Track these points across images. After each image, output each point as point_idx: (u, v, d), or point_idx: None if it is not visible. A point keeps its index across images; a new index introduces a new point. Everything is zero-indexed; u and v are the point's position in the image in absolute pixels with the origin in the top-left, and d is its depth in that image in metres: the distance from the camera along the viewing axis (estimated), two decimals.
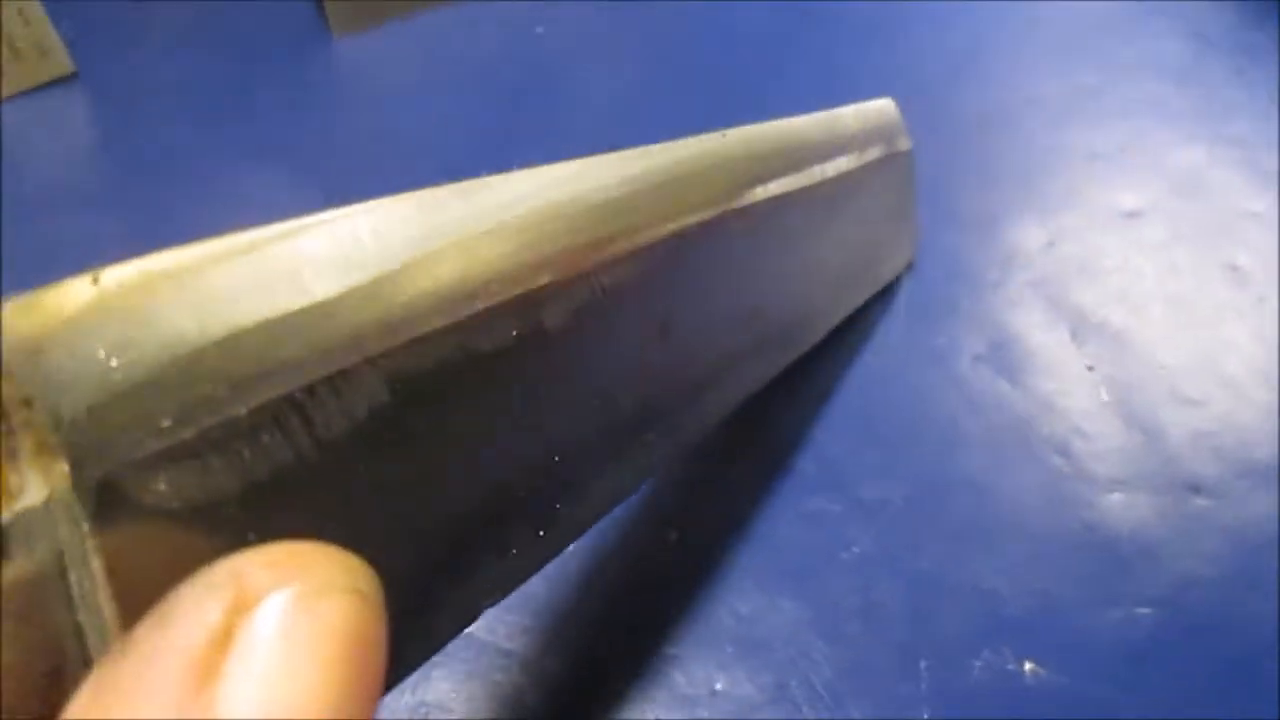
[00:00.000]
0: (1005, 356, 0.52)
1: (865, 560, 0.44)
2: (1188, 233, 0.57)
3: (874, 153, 0.47)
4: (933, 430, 0.49)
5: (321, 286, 0.18)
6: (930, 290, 0.54)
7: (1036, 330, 0.53)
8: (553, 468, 0.25)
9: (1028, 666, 0.42)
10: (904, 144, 0.51)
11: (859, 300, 0.50)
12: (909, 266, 0.54)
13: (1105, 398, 0.50)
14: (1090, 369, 0.51)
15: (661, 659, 0.42)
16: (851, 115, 0.47)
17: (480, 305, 0.21)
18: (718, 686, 0.41)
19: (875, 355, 0.51)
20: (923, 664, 0.42)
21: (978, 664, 0.42)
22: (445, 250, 0.21)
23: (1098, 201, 0.59)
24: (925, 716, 0.41)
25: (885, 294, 0.53)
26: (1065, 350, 0.52)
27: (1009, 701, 0.41)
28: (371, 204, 0.20)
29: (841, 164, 0.43)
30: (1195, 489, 0.47)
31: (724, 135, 0.35)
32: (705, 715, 0.40)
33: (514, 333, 0.22)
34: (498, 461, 0.23)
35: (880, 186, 0.49)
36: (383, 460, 0.19)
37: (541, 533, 0.25)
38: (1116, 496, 0.47)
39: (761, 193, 0.35)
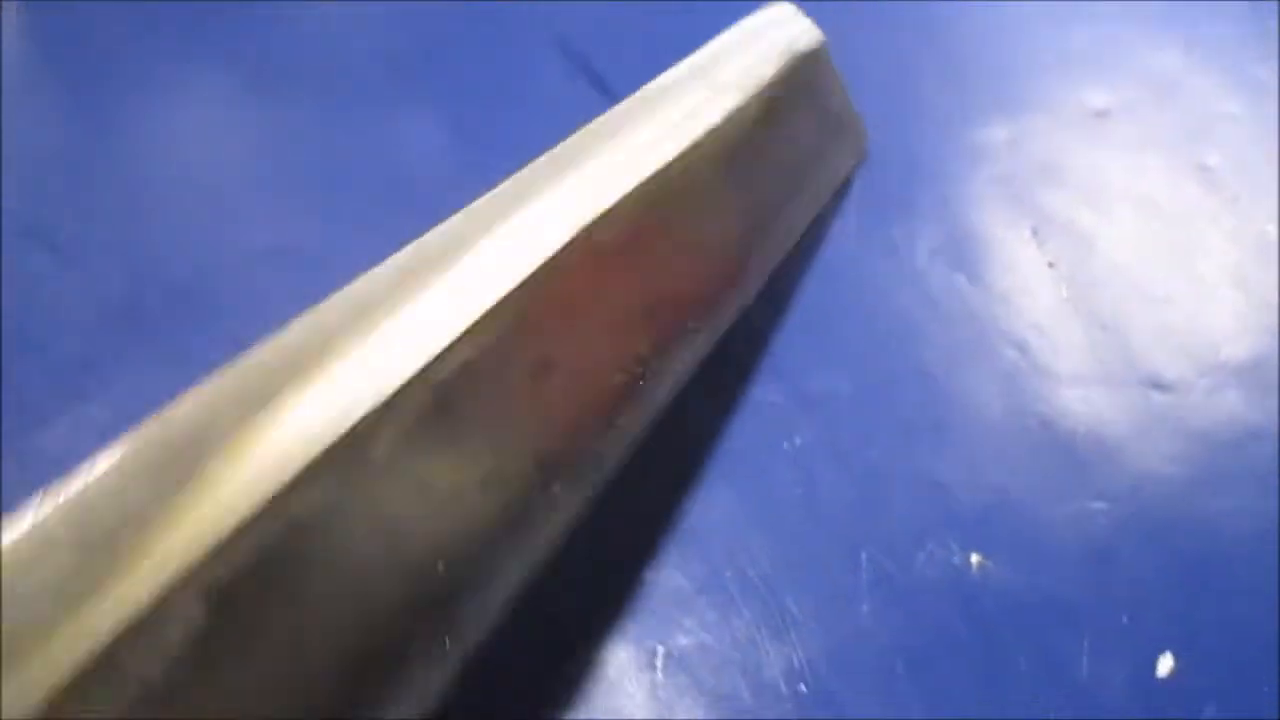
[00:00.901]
0: (963, 251, 0.49)
1: (808, 451, 0.42)
2: (1158, 134, 0.55)
3: (769, 70, 0.42)
4: (884, 323, 0.46)
5: None
6: (887, 185, 0.51)
7: (997, 226, 0.50)
8: (429, 584, 0.24)
9: (975, 560, 0.40)
10: (807, 42, 0.46)
11: (805, 220, 0.46)
12: (860, 162, 0.51)
13: (1066, 294, 0.48)
14: (1051, 266, 0.49)
15: (589, 546, 0.39)
16: (734, 41, 0.42)
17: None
18: (648, 575, 0.39)
19: (826, 247, 0.48)
20: (864, 555, 0.40)
21: (922, 556, 0.40)
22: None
23: (1066, 101, 0.56)
24: (865, 608, 0.38)
25: (838, 194, 0.51)
26: (1026, 247, 0.49)
27: (954, 595, 0.39)
28: None
29: (728, 102, 0.39)
30: (1157, 386, 0.45)
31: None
32: (635, 603, 0.38)
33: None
34: (362, 608, 0.22)
35: (793, 102, 0.45)
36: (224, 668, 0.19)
37: (446, 640, 0.24)
38: (1075, 392, 0.45)
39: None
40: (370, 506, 0.23)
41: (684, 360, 0.35)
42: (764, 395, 0.43)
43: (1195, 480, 0.43)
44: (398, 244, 0.28)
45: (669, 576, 0.39)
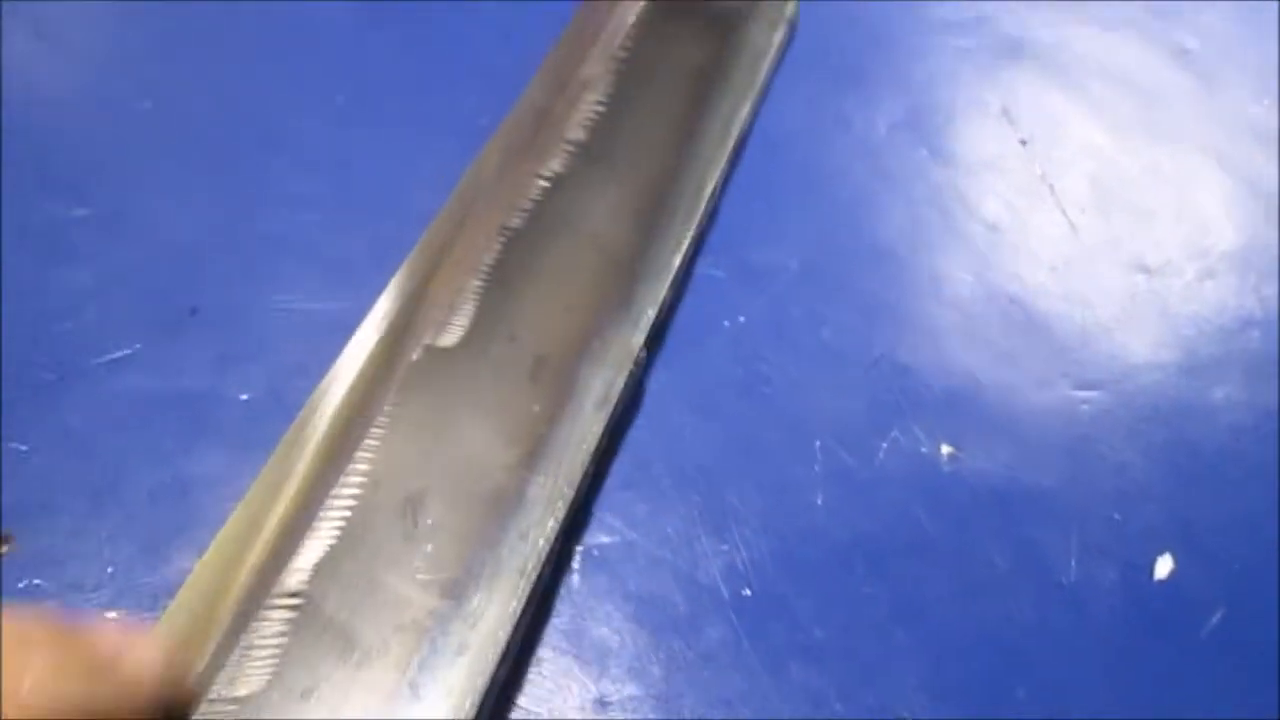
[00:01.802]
0: (926, 126, 0.44)
1: (751, 331, 0.36)
2: (1133, 14, 0.50)
3: None
4: (838, 197, 0.41)
5: None
6: (843, 58, 0.46)
7: (963, 102, 0.45)
8: None
9: (945, 450, 0.34)
10: None
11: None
12: (790, 26, 0.45)
13: (1039, 171, 0.43)
14: (1024, 143, 0.44)
15: None
16: None
17: None
18: None
19: (776, 119, 0.43)
20: (817, 444, 0.34)
21: (884, 445, 0.34)
22: None
23: None
24: (819, 502, 0.33)
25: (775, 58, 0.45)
26: (995, 123, 0.44)
27: (922, 488, 0.33)
28: None
29: None
30: (1142, 269, 0.40)
31: None
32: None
33: None
34: None
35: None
36: None
37: None
38: (1052, 274, 0.39)
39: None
40: None
41: (606, 374, 0.33)
42: (702, 269, 0.38)
43: (1186, 369, 0.38)
44: None
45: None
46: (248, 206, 0.38)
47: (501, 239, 0.35)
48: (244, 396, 0.33)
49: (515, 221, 0.35)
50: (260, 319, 0.35)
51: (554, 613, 0.30)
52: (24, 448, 0.32)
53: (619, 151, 0.38)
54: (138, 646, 0.23)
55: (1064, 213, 0.41)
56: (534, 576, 0.28)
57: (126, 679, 0.23)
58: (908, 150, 0.43)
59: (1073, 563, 0.33)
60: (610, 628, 0.30)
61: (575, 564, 0.31)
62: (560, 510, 0.29)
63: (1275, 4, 0.51)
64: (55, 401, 0.33)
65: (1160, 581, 0.33)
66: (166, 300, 0.35)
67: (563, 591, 0.30)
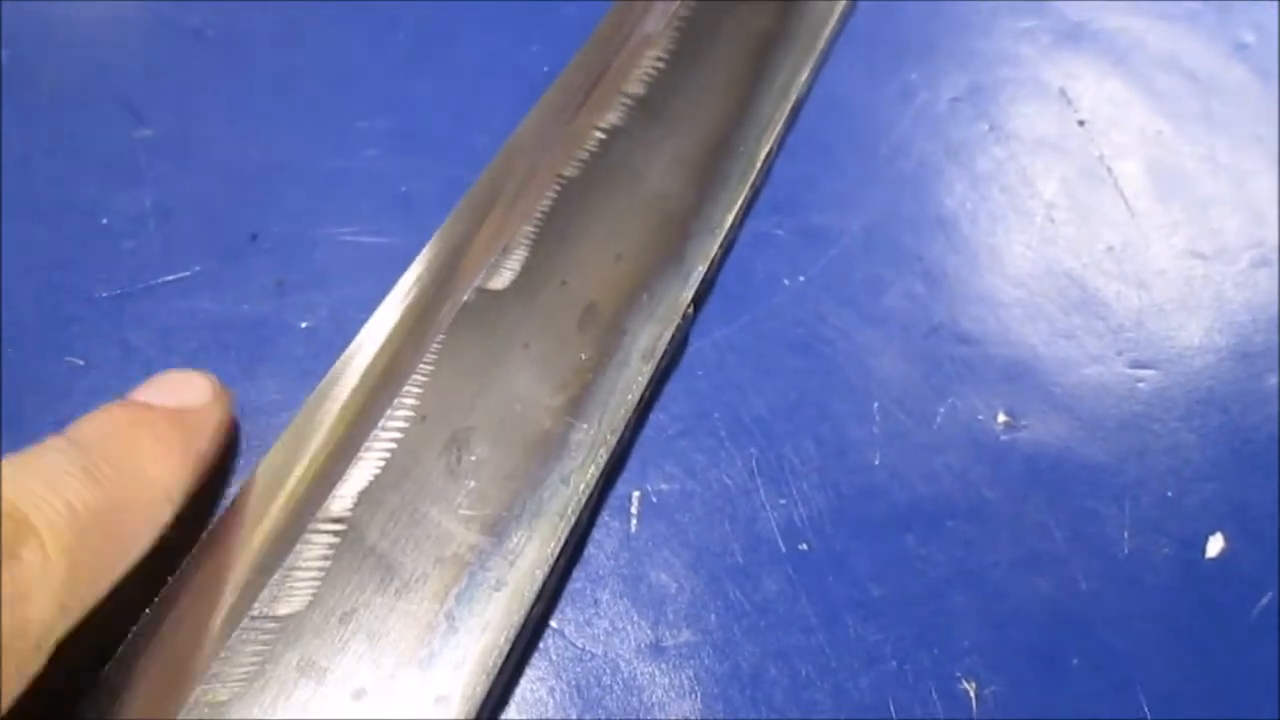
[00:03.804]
0: (988, 102, 0.43)
1: (812, 290, 0.36)
2: (1193, 7, 0.50)
3: None
4: (900, 165, 0.40)
5: None
6: (905, 30, 0.45)
7: (1024, 80, 0.45)
8: None
9: (1001, 419, 0.34)
10: None
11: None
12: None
13: (1098, 153, 0.42)
14: (1082, 124, 0.43)
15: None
16: None
17: None
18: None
19: (839, 86, 0.42)
20: (875, 405, 0.34)
21: (941, 411, 0.34)
22: None
23: None
24: (877, 462, 0.32)
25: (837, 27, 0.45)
26: (1055, 103, 0.44)
27: (979, 455, 0.33)
28: None
29: None
30: (1198, 255, 0.40)
31: None
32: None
33: None
34: None
35: None
36: None
37: None
38: (1110, 254, 0.39)
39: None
40: None
41: (654, 328, 0.33)
42: (762, 227, 0.37)
43: (1241, 354, 0.38)
44: None
45: (652, 412, 0.32)
46: (309, 137, 0.37)
47: (556, 187, 0.35)
48: (304, 324, 0.33)
49: (570, 171, 0.35)
50: (321, 248, 0.35)
51: (613, 556, 0.30)
52: (81, 362, 0.31)
53: (677, 108, 0.38)
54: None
55: (1122, 195, 0.41)
56: (573, 520, 0.28)
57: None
58: (969, 124, 0.42)
59: (1126, 535, 0.33)
60: (669, 574, 0.30)
61: (633, 509, 0.31)
62: (602, 457, 0.29)
63: None
64: (115, 318, 0.32)
65: (1212, 560, 0.33)
66: (227, 225, 0.35)
67: (621, 536, 0.30)
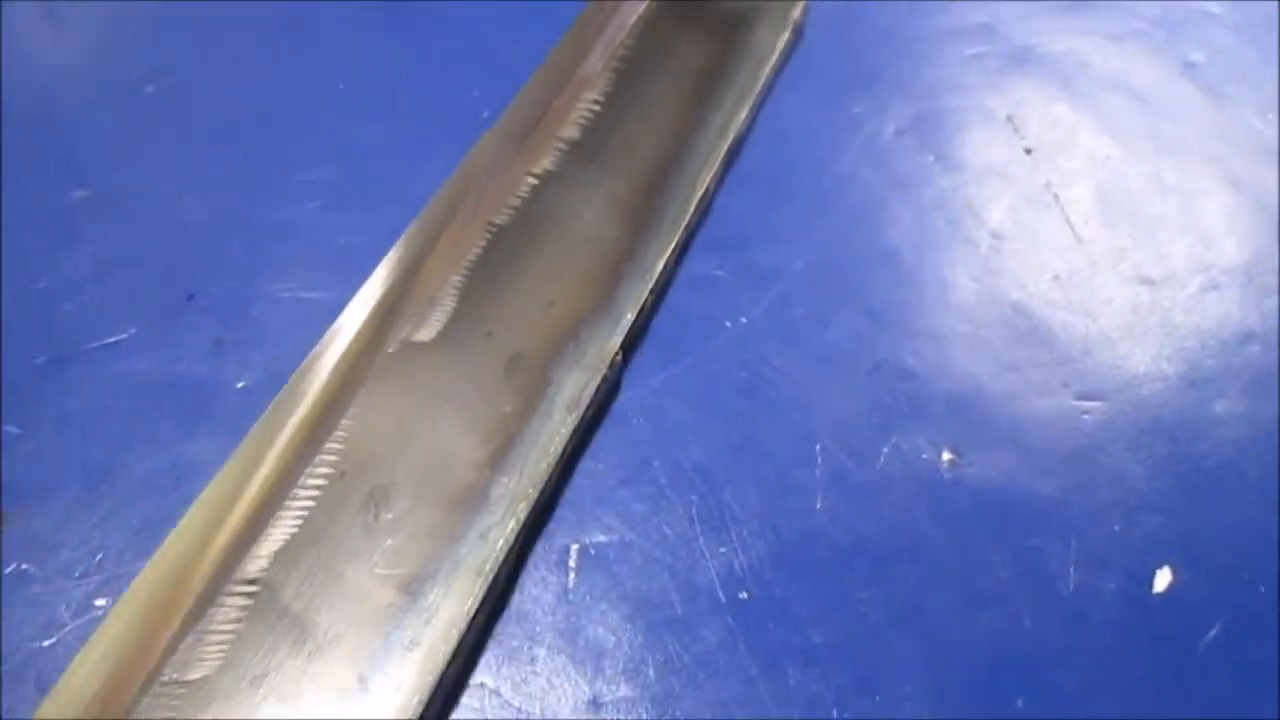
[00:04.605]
0: (933, 132, 0.43)
1: (755, 331, 0.36)
2: (1141, 27, 0.50)
3: None
4: (845, 199, 0.40)
5: None
6: (854, 60, 0.46)
7: (969, 109, 0.45)
8: None
9: (946, 457, 0.34)
10: None
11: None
12: (796, 30, 0.45)
13: (1045, 181, 0.42)
14: (1029, 152, 0.43)
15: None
16: None
17: None
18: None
19: (783, 119, 0.42)
20: (818, 447, 0.33)
21: (885, 450, 0.34)
22: None
23: None
24: (819, 506, 0.32)
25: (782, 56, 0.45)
26: (1001, 130, 0.44)
27: (923, 494, 0.33)
28: None
29: None
30: (1145, 281, 0.40)
31: None
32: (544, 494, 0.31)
33: None
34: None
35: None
36: None
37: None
38: (1056, 283, 0.39)
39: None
40: None
41: (579, 376, 0.33)
42: (704, 269, 0.37)
43: (1188, 381, 0.37)
44: None
45: (585, 463, 0.32)
46: (248, 193, 0.37)
47: (488, 234, 0.35)
48: (240, 384, 0.33)
49: (502, 218, 0.36)
50: (258, 306, 0.35)
51: (550, 611, 0.30)
52: (18, 431, 0.31)
53: (612, 151, 0.38)
54: None
55: (1069, 222, 0.41)
56: (491, 576, 0.28)
57: None
58: (915, 155, 0.42)
59: (1072, 572, 0.33)
60: (606, 627, 0.30)
61: (571, 562, 0.31)
62: (522, 511, 0.29)
63: (1276, 21, 0.51)
64: (51, 384, 0.32)
65: (1159, 594, 0.33)
66: (166, 284, 0.35)
67: (558, 590, 0.30)
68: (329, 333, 0.32)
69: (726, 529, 0.32)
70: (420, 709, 0.25)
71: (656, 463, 0.33)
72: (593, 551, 0.31)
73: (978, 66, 0.46)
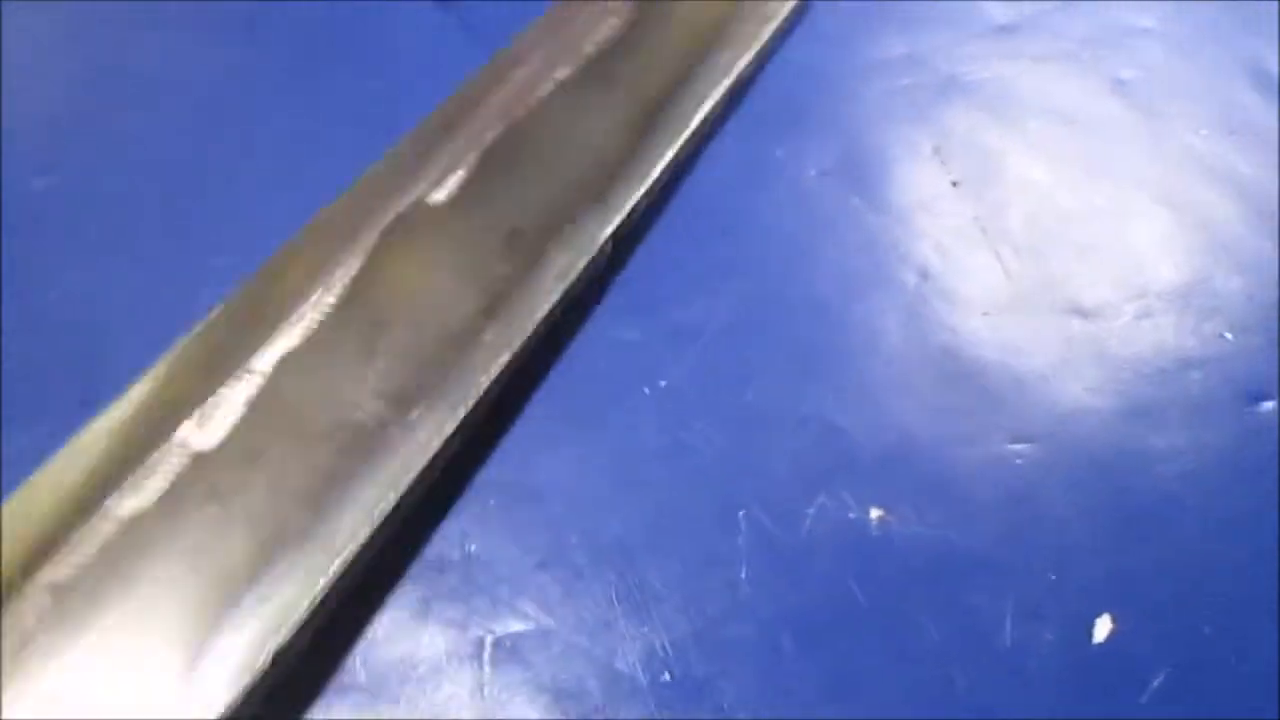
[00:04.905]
0: (858, 171, 0.43)
1: (674, 395, 0.35)
2: (1068, 48, 0.49)
3: None
4: (766, 248, 0.40)
5: None
6: (772, 102, 0.45)
7: (895, 144, 0.44)
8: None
9: (875, 514, 0.33)
10: None
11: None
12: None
13: (972, 214, 0.42)
14: (955, 185, 0.43)
15: (403, 519, 0.31)
16: None
17: None
18: (472, 548, 0.31)
19: (704, 167, 0.42)
20: (741, 514, 0.33)
21: (811, 512, 0.33)
22: None
23: (968, 15, 0.51)
24: (743, 576, 0.31)
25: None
26: (927, 165, 0.43)
27: (851, 556, 0.32)
28: None
29: None
30: (1078, 312, 0.39)
31: None
32: (455, 582, 0.30)
33: None
34: None
35: None
36: None
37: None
38: (985, 321, 0.38)
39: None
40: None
41: (570, 255, 0.36)
42: (621, 332, 0.36)
43: (1124, 415, 0.37)
44: None
45: (500, 547, 0.31)
46: (152, 286, 0.36)
47: (504, 123, 0.39)
48: None
49: (520, 112, 0.40)
50: None
51: (465, 707, 0.29)
52: None
53: (626, 72, 0.42)
54: None
55: (997, 255, 0.41)
56: (480, 393, 0.32)
57: None
58: (839, 196, 0.42)
59: (1009, 626, 0.32)
60: None
61: (485, 654, 0.30)
62: (505, 357, 0.32)
63: (1211, 32, 0.50)
64: None
65: (1099, 643, 0.32)
66: (67, 389, 0.34)
67: (472, 685, 0.29)
68: (361, 180, 0.36)
69: (647, 608, 0.31)
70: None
71: (574, 540, 0.32)
72: (508, 643, 0.30)
73: (903, 99, 0.46)
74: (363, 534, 0.28)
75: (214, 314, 0.33)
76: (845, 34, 0.49)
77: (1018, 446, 0.35)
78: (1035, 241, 0.41)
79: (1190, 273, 0.41)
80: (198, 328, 0.32)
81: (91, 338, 0.35)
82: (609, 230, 0.37)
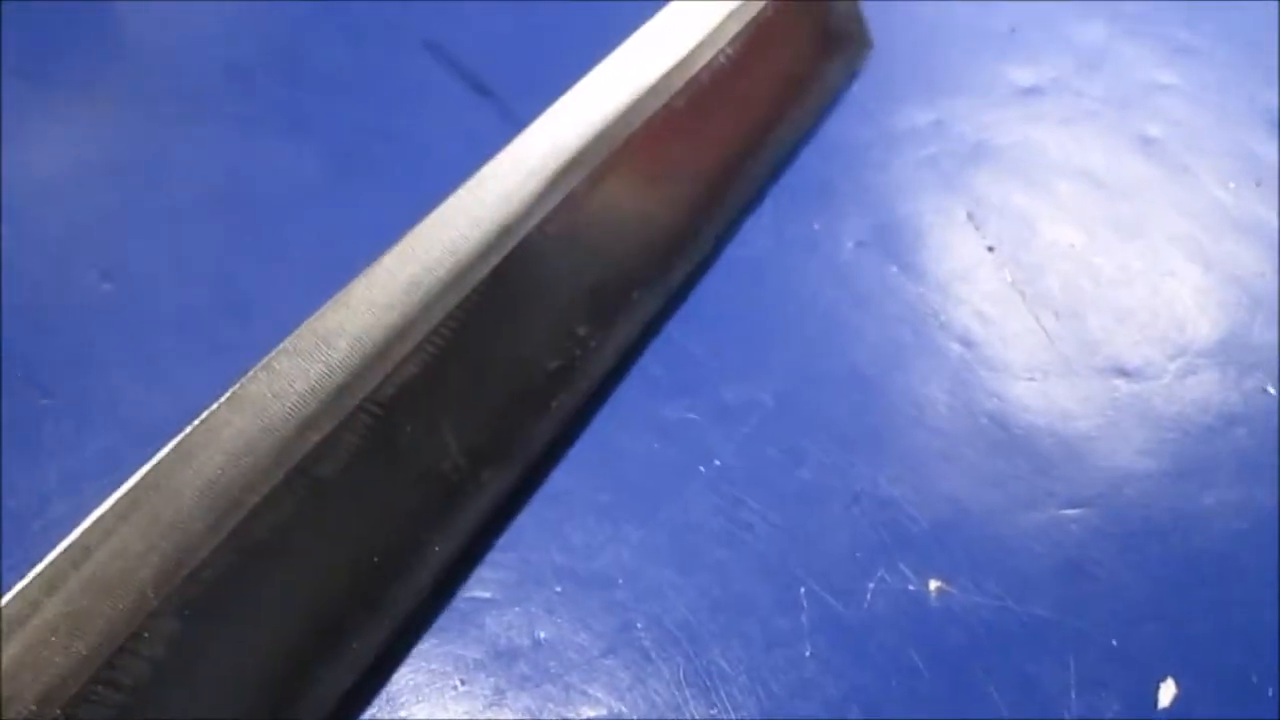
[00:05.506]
0: (893, 240, 0.44)
1: (728, 475, 0.36)
2: (1093, 107, 0.50)
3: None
4: (809, 323, 0.40)
5: None
6: (803, 175, 0.46)
7: (928, 212, 0.45)
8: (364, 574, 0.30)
9: (933, 586, 0.33)
10: None
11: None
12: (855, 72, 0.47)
13: (1010, 278, 0.42)
14: (991, 250, 0.44)
15: (472, 604, 0.32)
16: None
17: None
18: (542, 635, 0.32)
19: (743, 246, 0.43)
20: (802, 591, 0.33)
21: (871, 587, 0.33)
22: None
23: (992, 80, 0.52)
24: (807, 653, 0.32)
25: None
26: (962, 231, 0.44)
27: (912, 629, 0.33)
28: None
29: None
30: (1121, 373, 0.40)
31: None
32: (527, 670, 0.31)
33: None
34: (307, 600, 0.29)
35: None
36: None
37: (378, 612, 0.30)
38: (1030, 386, 0.39)
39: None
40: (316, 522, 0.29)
41: (626, 327, 0.38)
42: (674, 413, 0.37)
43: (1175, 474, 0.37)
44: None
45: (569, 634, 0.32)
46: (212, 382, 0.37)
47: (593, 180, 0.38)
48: None
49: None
50: None
51: None
52: None
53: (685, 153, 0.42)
54: None
55: (1037, 319, 0.41)
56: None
57: None
58: (876, 268, 0.43)
59: (1073, 696, 0.32)
60: None
61: None
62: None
63: (1232, 85, 0.51)
64: None
65: (1164, 709, 0.32)
66: None
67: None
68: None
69: (715, 689, 0.31)
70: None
71: (640, 624, 0.32)
72: None
73: (933, 167, 0.47)
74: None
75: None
76: (870, 104, 0.50)
77: (1071, 511, 0.36)
78: (1073, 304, 0.42)
79: (1228, 328, 0.42)
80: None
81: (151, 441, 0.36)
82: (663, 301, 0.39)
